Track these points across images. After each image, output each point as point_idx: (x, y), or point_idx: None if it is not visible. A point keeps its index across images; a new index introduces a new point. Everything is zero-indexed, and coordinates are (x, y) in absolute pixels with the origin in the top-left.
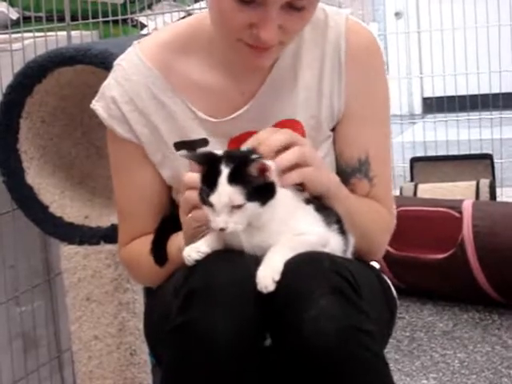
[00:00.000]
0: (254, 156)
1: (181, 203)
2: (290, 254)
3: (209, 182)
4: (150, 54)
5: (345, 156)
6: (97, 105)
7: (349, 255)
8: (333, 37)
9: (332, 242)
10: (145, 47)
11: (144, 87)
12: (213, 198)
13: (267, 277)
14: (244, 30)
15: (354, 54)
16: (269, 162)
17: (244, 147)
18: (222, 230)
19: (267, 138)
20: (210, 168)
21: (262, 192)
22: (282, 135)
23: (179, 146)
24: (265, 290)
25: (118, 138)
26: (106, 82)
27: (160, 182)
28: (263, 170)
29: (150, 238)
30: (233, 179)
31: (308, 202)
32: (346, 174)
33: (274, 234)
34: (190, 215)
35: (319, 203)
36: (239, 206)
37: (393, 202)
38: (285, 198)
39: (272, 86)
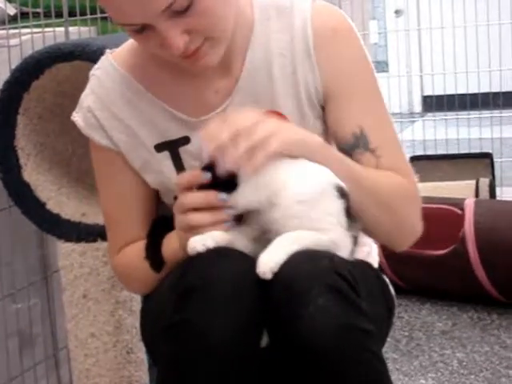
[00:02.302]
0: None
1: (175, 205)
2: (295, 248)
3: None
4: (122, 61)
5: (339, 136)
6: (76, 116)
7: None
8: (299, 22)
9: (343, 249)
10: (117, 54)
11: (119, 93)
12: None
13: (267, 264)
14: (162, 50)
15: (321, 36)
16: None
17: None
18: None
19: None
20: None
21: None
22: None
23: (160, 147)
24: (262, 276)
25: (97, 146)
26: (83, 93)
27: (144, 187)
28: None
29: (142, 243)
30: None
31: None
32: (345, 152)
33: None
34: (186, 216)
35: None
36: None
37: (409, 169)
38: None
39: (247, 81)
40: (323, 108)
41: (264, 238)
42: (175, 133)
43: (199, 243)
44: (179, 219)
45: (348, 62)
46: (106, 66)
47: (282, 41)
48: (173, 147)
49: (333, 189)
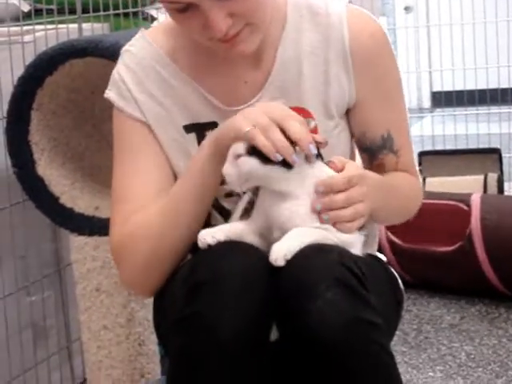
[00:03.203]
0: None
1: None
2: (307, 241)
3: None
4: (157, 40)
5: (368, 136)
6: (109, 92)
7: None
8: (335, 23)
9: (352, 247)
10: (152, 33)
11: (153, 70)
12: None
13: (280, 252)
14: (203, 32)
15: (358, 40)
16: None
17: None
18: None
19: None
20: None
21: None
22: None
23: (189, 128)
24: (274, 263)
25: (127, 117)
26: (114, 70)
27: (167, 164)
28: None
29: (155, 206)
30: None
31: None
32: (371, 151)
33: (293, 214)
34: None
35: None
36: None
37: (416, 166)
38: None
39: (278, 76)
40: (349, 108)
41: (270, 236)
42: (205, 117)
43: (209, 236)
44: (258, 114)
45: (383, 68)
46: (142, 43)
47: (315, 40)
48: (200, 130)
49: None
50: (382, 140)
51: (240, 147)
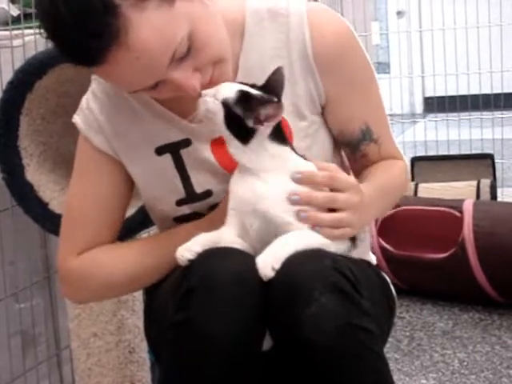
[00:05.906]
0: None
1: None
2: (293, 247)
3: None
4: None
5: (347, 132)
6: (77, 118)
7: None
8: (295, 23)
9: (340, 246)
10: None
11: (119, 98)
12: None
13: (267, 263)
14: (180, 92)
15: (321, 41)
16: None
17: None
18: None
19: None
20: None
21: (240, 125)
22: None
23: (162, 149)
24: (264, 278)
25: (92, 147)
26: (84, 96)
27: (123, 195)
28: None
29: (114, 246)
30: (246, 96)
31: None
32: (353, 145)
33: (270, 197)
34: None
35: None
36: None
37: (398, 148)
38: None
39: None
40: (322, 107)
41: (247, 237)
42: (176, 137)
43: (186, 251)
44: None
45: (350, 66)
46: None
47: (278, 41)
48: (174, 149)
49: None
50: (361, 133)
51: (229, 92)
